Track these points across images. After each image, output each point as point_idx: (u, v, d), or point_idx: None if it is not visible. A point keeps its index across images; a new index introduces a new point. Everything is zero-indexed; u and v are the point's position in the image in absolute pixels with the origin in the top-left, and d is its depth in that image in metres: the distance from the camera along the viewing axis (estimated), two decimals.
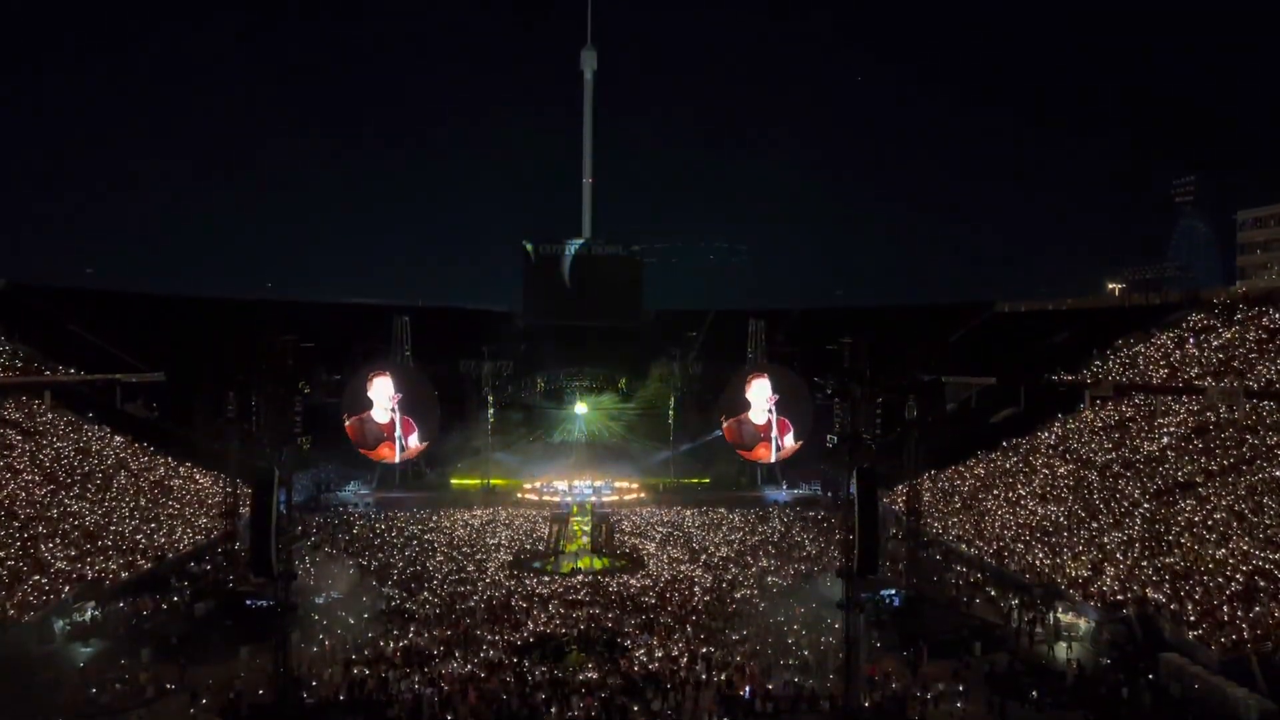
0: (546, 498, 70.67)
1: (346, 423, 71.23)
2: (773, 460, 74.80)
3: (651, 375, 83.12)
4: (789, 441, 73.10)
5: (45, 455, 52.95)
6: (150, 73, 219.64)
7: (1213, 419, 51.94)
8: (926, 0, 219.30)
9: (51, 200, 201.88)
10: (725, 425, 75.34)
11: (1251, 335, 59.74)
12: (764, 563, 49.68)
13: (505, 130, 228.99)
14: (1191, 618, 33.36)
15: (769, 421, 72.82)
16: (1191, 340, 63.57)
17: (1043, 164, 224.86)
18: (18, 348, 64.36)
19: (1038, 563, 43.10)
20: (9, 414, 56.09)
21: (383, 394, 71.70)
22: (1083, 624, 36.80)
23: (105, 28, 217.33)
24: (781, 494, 73.92)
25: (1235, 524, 39.67)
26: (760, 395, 73.22)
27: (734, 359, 79.27)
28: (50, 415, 58.76)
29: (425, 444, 74.17)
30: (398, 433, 71.79)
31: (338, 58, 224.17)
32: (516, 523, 62.12)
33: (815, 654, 33.98)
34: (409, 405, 71.86)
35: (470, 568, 48.80)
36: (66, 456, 54.20)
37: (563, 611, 40.27)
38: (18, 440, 53.09)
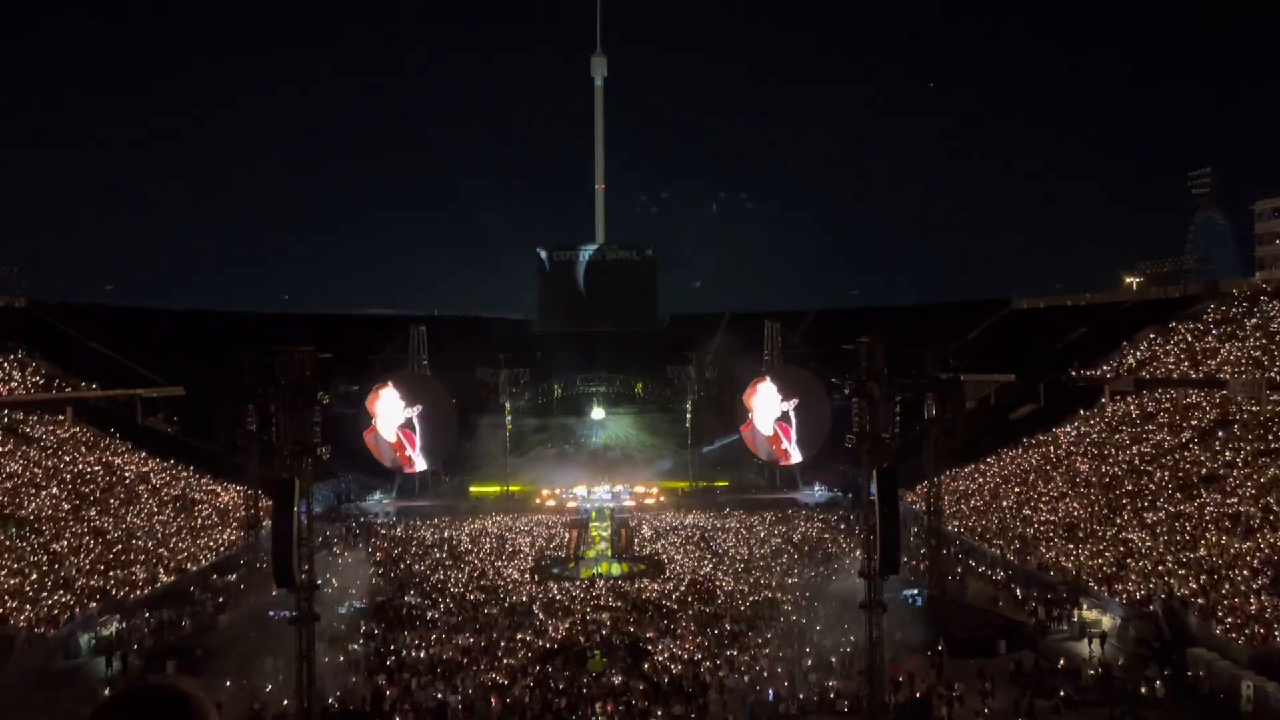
0: (566, 504, 70.70)
1: (365, 436, 71.41)
2: (793, 462, 74.46)
3: (668, 379, 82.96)
4: (798, 449, 72.47)
5: (68, 471, 53.36)
6: (165, 89, 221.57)
7: (1235, 411, 51.44)
8: None
9: (71, 220, 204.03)
10: (743, 431, 75.13)
11: (1274, 325, 59.12)
12: (785, 564, 49.51)
13: (517, 138, 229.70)
14: (1218, 612, 33.03)
15: (775, 432, 72.39)
16: (1213, 332, 63.02)
17: (1058, 159, 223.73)
18: (40, 365, 65.05)
19: (1061, 559, 42.80)
20: (32, 430, 56.60)
21: (387, 408, 71.15)
22: (1107, 620, 36.50)
23: (120, 49, 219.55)
24: (800, 495, 73.61)
25: (1260, 516, 39.26)
26: (762, 402, 72.60)
27: (751, 361, 79.05)
28: (72, 431, 59.22)
29: (437, 456, 74.21)
30: (408, 451, 71.72)
31: (349, 69, 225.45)
32: (536, 529, 62.12)
33: (839, 655, 33.83)
34: (426, 416, 71.82)
35: (491, 575, 48.86)
36: (89, 472, 54.60)
37: (584, 617, 40.25)
38: (41, 456, 53.53)
